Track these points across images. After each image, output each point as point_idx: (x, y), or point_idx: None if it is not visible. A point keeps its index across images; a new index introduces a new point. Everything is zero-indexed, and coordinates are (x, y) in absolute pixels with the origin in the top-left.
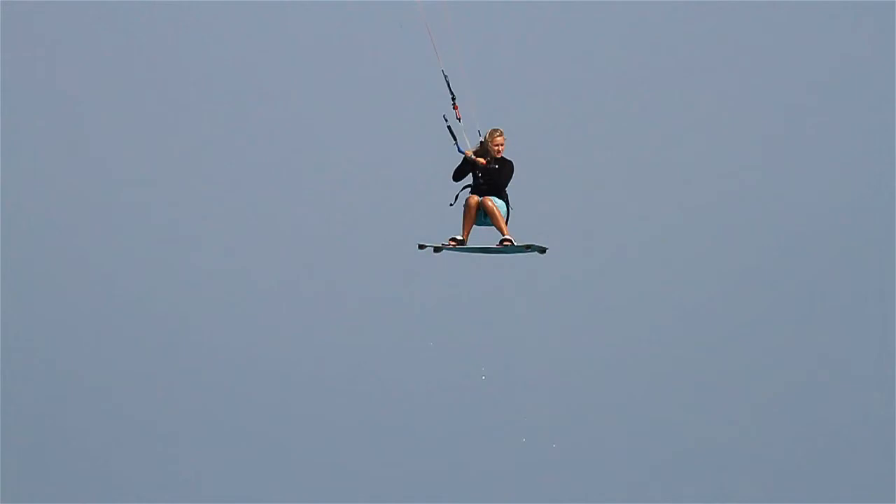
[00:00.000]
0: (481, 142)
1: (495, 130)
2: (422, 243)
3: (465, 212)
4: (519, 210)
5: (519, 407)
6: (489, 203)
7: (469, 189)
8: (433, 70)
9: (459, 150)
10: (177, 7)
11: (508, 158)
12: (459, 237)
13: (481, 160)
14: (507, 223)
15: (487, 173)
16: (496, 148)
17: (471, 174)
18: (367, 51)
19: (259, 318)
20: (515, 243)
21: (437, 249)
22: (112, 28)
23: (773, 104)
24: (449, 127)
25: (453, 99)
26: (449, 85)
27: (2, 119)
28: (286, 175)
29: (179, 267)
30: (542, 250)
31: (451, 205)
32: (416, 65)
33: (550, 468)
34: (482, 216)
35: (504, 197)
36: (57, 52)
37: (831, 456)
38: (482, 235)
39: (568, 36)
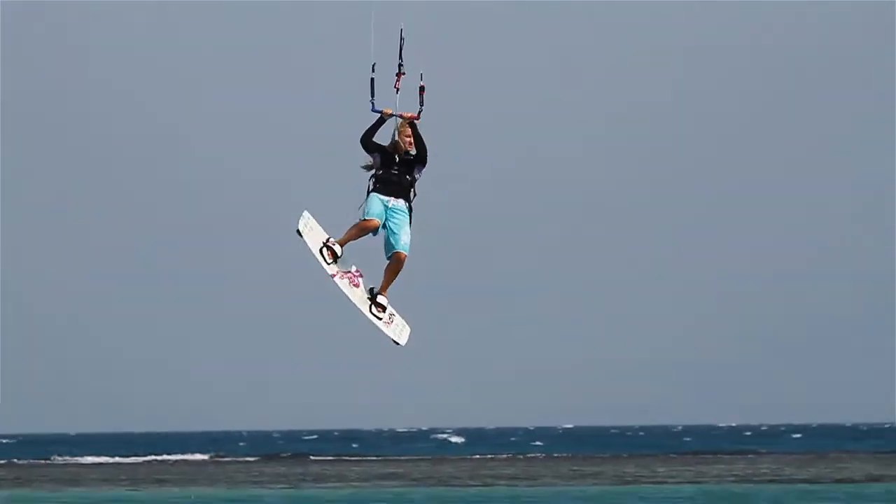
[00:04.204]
0: (395, 140)
1: (406, 121)
2: (301, 229)
3: (356, 226)
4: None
5: None
6: (402, 260)
7: (375, 185)
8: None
9: (374, 109)
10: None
11: (420, 153)
12: (338, 249)
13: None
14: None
15: (405, 164)
16: (406, 140)
17: (383, 159)
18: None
19: None
20: (380, 318)
21: (300, 234)
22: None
23: None
24: (372, 79)
25: (400, 66)
26: (401, 49)
27: None
28: None
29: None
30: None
31: (360, 209)
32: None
33: None
34: (385, 246)
35: (409, 201)
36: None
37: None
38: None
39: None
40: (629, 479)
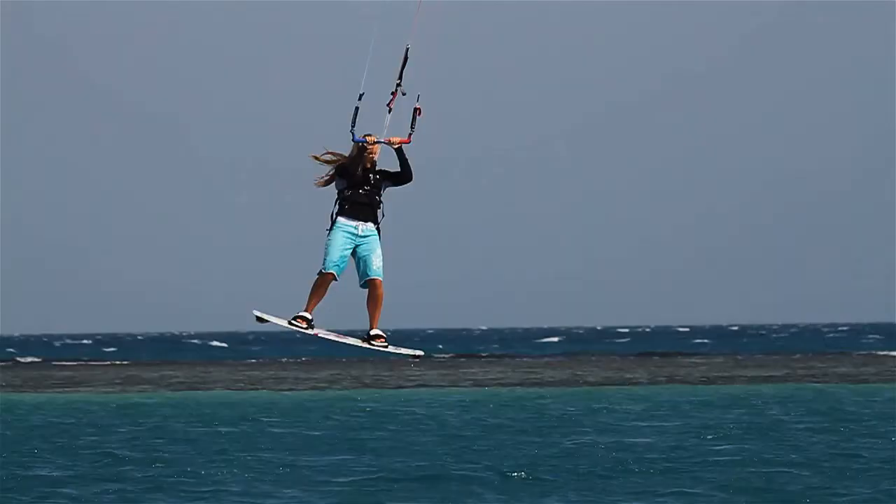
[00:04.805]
0: (364, 147)
1: (369, 135)
2: (260, 315)
3: (317, 287)
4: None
5: None
6: (379, 286)
7: (343, 207)
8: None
9: (356, 140)
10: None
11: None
12: (307, 315)
13: (373, 150)
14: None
15: (376, 185)
16: (372, 156)
17: (348, 180)
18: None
19: None
20: (387, 346)
21: (260, 320)
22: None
23: None
24: (357, 108)
25: (399, 84)
26: (404, 65)
27: None
28: None
29: None
30: (416, 357)
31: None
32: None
33: None
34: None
35: (378, 223)
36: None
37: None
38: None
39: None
40: (389, 384)
